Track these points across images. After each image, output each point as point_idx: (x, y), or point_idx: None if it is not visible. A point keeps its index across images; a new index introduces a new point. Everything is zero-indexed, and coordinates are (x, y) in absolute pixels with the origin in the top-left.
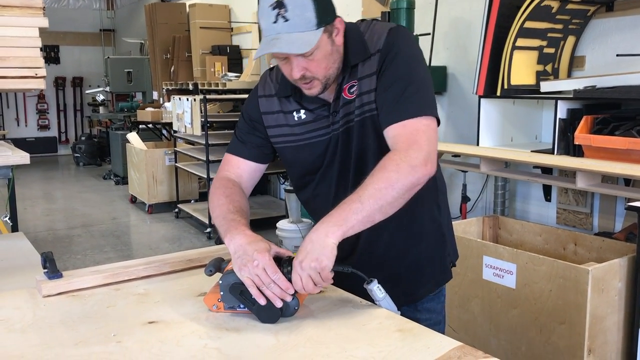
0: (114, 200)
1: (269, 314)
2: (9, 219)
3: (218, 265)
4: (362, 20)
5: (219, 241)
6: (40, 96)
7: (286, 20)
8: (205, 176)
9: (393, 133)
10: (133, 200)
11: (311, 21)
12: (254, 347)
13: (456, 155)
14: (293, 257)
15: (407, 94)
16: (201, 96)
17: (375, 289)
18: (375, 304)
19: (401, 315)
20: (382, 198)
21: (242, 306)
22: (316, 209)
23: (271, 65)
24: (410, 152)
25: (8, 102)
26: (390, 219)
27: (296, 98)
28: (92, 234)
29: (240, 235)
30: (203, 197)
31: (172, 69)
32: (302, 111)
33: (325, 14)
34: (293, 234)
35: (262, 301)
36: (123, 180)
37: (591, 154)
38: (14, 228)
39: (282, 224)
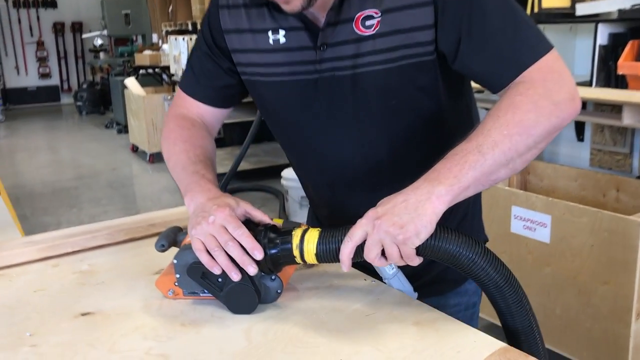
0: (116, 149)
1: (243, 302)
2: None
3: (173, 236)
4: None
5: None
6: (39, 43)
7: None
8: None
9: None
10: (134, 149)
11: None
12: (215, 352)
13: (479, 91)
14: (273, 225)
15: (520, 37)
16: None
17: None
18: (384, 283)
19: (419, 299)
20: (513, 148)
21: (206, 291)
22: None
23: None
24: (550, 85)
25: (6, 50)
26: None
27: (273, 7)
28: (90, 186)
29: (202, 194)
30: None
31: (171, 8)
32: (282, 32)
33: None
34: (299, 183)
35: (216, 270)
36: (125, 128)
37: (637, 85)
38: None
39: (287, 173)
